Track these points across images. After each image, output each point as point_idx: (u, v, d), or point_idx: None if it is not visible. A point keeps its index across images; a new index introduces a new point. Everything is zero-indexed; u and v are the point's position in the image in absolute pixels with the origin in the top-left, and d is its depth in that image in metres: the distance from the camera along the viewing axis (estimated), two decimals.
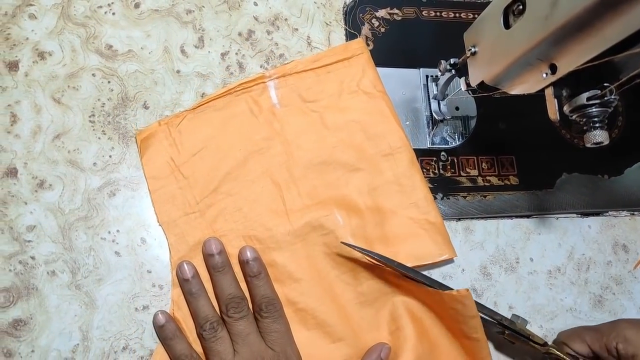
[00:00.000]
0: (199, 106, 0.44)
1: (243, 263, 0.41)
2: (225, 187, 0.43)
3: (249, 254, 0.41)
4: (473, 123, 0.50)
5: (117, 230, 0.41)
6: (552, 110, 0.36)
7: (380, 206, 0.44)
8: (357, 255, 0.42)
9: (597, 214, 0.51)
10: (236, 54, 0.47)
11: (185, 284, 0.40)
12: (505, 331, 0.41)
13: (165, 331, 0.39)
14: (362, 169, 0.45)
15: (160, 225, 0.42)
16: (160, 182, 0.43)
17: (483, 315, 0.41)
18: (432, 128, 0.49)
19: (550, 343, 0.42)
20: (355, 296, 0.43)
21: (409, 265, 0.42)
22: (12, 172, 0.41)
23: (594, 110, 0.34)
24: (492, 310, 0.42)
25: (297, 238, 0.43)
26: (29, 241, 0.40)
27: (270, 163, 0.44)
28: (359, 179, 0.45)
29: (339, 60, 0.47)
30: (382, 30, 0.51)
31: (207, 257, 0.41)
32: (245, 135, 0.44)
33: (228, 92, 0.45)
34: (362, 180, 0.45)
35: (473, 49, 0.40)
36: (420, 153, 0.48)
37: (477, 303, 0.40)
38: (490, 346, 0.44)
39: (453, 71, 0.44)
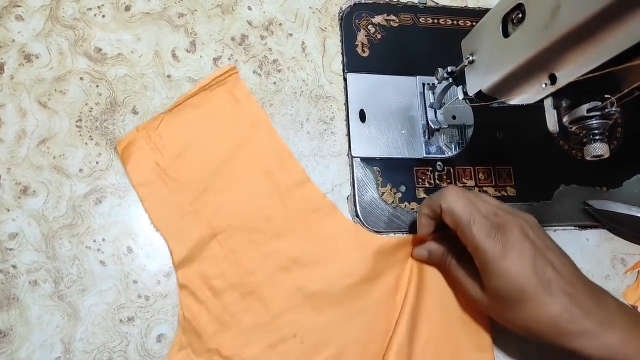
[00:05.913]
0: (175, 107, 0.43)
1: None
2: (217, 185, 0.42)
3: None
4: (470, 132, 0.49)
5: (103, 239, 0.40)
6: (552, 121, 0.35)
7: None
8: None
9: (596, 227, 0.50)
10: (229, 59, 0.46)
11: None
12: None
13: None
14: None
15: (157, 231, 0.41)
16: (149, 188, 0.41)
17: None
18: (428, 137, 0.48)
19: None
20: (364, 270, 0.42)
21: None
22: None
23: (594, 122, 0.33)
24: None
25: (294, 221, 0.42)
26: (11, 249, 0.39)
27: (258, 151, 0.43)
28: None
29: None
30: (379, 36, 0.50)
31: None
32: (230, 127, 0.44)
33: (202, 88, 0.44)
34: None
35: (471, 58, 0.39)
36: (416, 162, 0.47)
37: None
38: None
39: (450, 79, 0.43)
